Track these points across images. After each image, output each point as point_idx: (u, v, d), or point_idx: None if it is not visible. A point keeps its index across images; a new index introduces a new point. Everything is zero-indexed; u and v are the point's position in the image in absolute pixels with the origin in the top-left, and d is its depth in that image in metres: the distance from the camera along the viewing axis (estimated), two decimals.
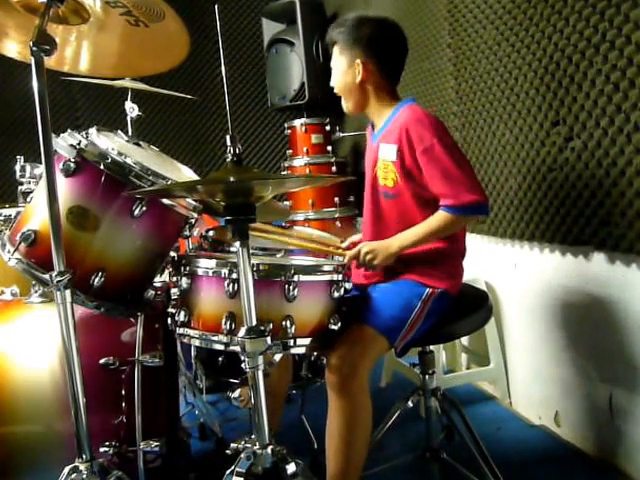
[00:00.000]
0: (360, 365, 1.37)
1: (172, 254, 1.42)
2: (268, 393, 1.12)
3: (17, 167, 1.94)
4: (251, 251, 1.11)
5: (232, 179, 1.04)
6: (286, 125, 3.55)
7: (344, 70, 1.59)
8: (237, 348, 1.10)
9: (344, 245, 1.68)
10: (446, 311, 1.49)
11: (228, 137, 1.10)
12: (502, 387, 2.30)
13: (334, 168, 3.39)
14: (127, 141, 1.53)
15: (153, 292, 1.44)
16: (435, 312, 1.47)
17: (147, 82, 2.30)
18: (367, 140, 1.71)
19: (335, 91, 1.64)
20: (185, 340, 1.30)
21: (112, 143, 1.32)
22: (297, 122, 3.46)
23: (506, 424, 2.13)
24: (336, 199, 3.34)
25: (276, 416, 1.66)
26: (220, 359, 1.79)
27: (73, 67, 1.43)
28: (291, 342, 1.25)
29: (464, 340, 2.56)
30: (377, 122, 1.63)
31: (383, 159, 1.54)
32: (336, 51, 1.61)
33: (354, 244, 1.72)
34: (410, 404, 1.62)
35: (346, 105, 1.64)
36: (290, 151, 3.52)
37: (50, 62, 1.15)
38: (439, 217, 1.46)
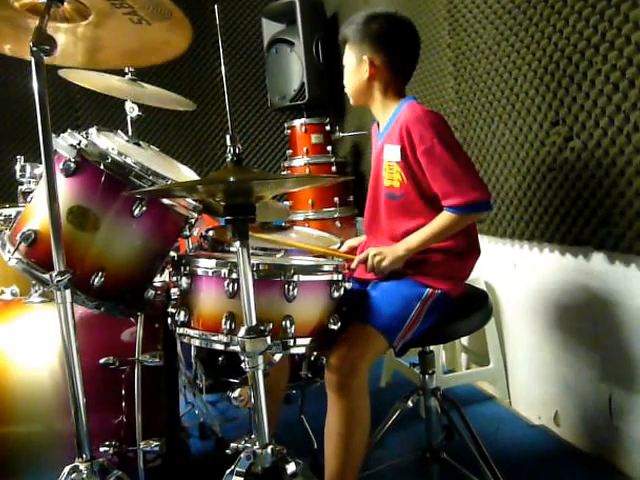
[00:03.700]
0: (359, 365, 1.37)
1: (172, 254, 1.42)
2: (267, 393, 1.12)
3: (17, 167, 1.95)
4: (251, 251, 1.11)
5: (232, 179, 1.04)
6: (286, 125, 3.55)
7: (353, 67, 1.58)
8: (237, 348, 1.10)
9: (342, 250, 1.69)
10: (446, 311, 1.49)
11: (228, 137, 1.10)
12: (502, 387, 2.30)
13: (334, 168, 3.40)
14: (127, 141, 1.54)
15: (153, 292, 1.44)
16: (434, 312, 1.47)
17: (147, 82, 2.29)
18: (372, 140, 1.71)
19: (345, 90, 1.64)
20: (185, 340, 1.30)
21: (112, 143, 1.32)
22: (297, 122, 3.46)
23: (506, 424, 2.13)
24: (336, 199, 3.34)
25: (272, 418, 1.66)
26: (220, 359, 1.79)
27: (71, 60, 1.42)
28: (291, 342, 1.25)
29: (464, 340, 2.56)
30: (381, 120, 1.62)
31: (388, 160, 1.54)
32: (347, 49, 1.61)
33: (353, 248, 1.72)
34: (410, 404, 1.62)
35: (351, 99, 1.65)
36: (290, 151, 3.52)
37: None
38: (443, 218, 1.46)
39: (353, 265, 1.49)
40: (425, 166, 1.45)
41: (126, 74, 2.04)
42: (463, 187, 1.42)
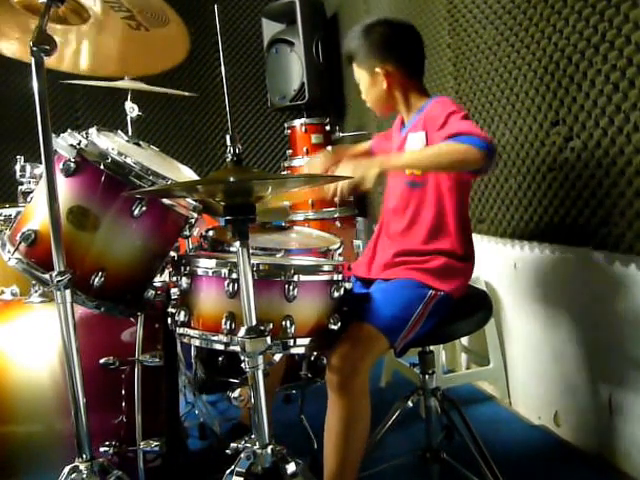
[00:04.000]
0: (361, 365, 1.37)
1: (172, 254, 1.42)
2: (267, 392, 1.12)
3: (17, 167, 1.95)
4: (251, 251, 1.11)
5: (232, 179, 1.04)
6: (286, 125, 3.55)
7: (368, 83, 1.59)
8: (237, 348, 1.10)
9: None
10: (447, 313, 1.49)
11: (228, 137, 1.10)
12: (502, 387, 2.30)
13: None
14: (127, 141, 1.53)
15: (153, 292, 1.44)
16: (436, 314, 1.46)
17: (147, 82, 2.30)
18: (393, 132, 1.71)
19: (368, 105, 1.65)
20: (185, 340, 1.30)
21: (112, 143, 1.32)
22: (297, 122, 3.47)
23: (506, 424, 2.13)
24: (336, 199, 3.32)
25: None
26: (220, 359, 1.79)
27: (71, 66, 1.42)
28: (291, 342, 1.25)
29: (464, 340, 2.56)
30: (406, 117, 1.63)
31: (411, 149, 1.53)
32: (355, 66, 1.61)
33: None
34: (410, 404, 1.62)
35: (377, 112, 1.66)
36: (290, 151, 3.52)
37: (47, 61, 1.14)
38: (441, 144, 1.37)
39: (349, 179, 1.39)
40: (438, 134, 1.43)
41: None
42: (470, 131, 1.34)
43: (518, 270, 2.16)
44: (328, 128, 3.46)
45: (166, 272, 1.60)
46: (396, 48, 1.55)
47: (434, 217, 1.51)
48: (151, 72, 1.47)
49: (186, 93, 2.37)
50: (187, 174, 1.60)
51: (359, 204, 3.47)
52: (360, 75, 1.61)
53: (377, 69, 1.55)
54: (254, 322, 1.09)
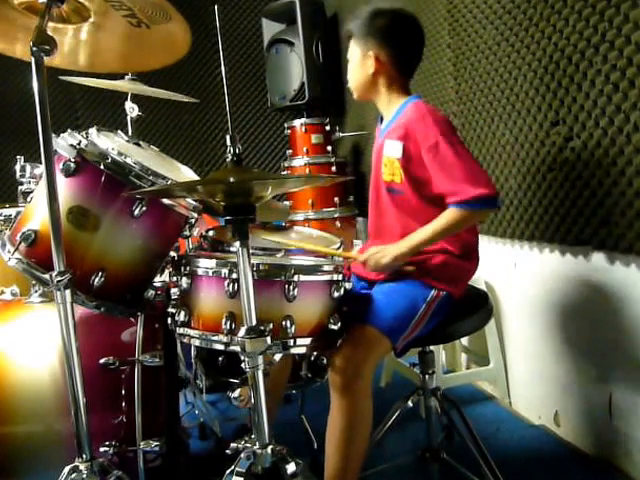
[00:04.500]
0: (364, 366, 1.37)
1: (172, 254, 1.42)
2: (267, 392, 1.12)
3: (17, 167, 1.94)
4: (251, 251, 1.11)
5: (232, 179, 1.04)
6: (286, 125, 3.55)
7: (358, 62, 1.58)
8: (237, 348, 1.10)
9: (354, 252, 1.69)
10: (448, 312, 1.49)
11: (228, 137, 1.10)
12: (502, 387, 2.30)
13: (334, 168, 3.39)
14: (127, 141, 1.54)
15: (153, 292, 1.44)
16: (438, 314, 1.46)
17: (147, 82, 2.29)
18: (375, 135, 1.71)
19: (349, 85, 1.64)
20: (185, 340, 1.30)
21: (112, 143, 1.32)
22: (297, 122, 3.46)
23: (506, 424, 2.13)
24: (336, 199, 3.34)
25: (271, 415, 1.65)
26: (220, 359, 1.79)
27: (70, 64, 1.42)
28: (291, 342, 1.24)
29: (464, 340, 2.56)
30: (385, 115, 1.62)
31: (388, 155, 1.53)
32: (351, 43, 1.61)
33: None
34: (410, 404, 1.62)
35: (355, 94, 1.64)
36: (290, 151, 3.52)
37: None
38: (448, 214, 1.42)
39: (358, 260, 1.48)
40: (428, 163, 1.44)
41: (126, 74, 2.04)
42: (467, 183, 1.38)
43: (518, 270, 2.16)
44: (328, 128, 3.45)
45: (166, 272, 1.60)
46: (396, 40, 1.55)
47: (422, 222, 1.47)
48: (151, 68, 1.46)
49: (186, 99, 2.36)
50: (187, 174, 1.60)
51: (359, 204, 3.47)
52: (353, 53, 1.60)
53: (370, 52, 1.55)
54: (254, 322, 1.09)
